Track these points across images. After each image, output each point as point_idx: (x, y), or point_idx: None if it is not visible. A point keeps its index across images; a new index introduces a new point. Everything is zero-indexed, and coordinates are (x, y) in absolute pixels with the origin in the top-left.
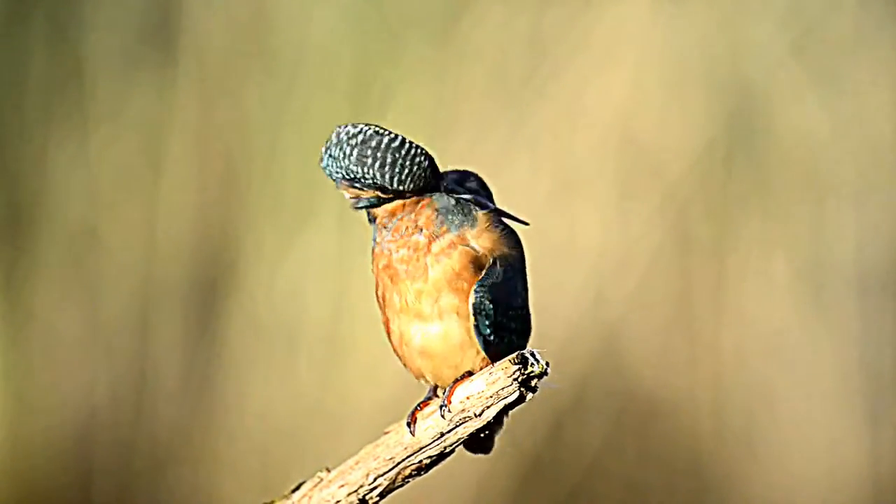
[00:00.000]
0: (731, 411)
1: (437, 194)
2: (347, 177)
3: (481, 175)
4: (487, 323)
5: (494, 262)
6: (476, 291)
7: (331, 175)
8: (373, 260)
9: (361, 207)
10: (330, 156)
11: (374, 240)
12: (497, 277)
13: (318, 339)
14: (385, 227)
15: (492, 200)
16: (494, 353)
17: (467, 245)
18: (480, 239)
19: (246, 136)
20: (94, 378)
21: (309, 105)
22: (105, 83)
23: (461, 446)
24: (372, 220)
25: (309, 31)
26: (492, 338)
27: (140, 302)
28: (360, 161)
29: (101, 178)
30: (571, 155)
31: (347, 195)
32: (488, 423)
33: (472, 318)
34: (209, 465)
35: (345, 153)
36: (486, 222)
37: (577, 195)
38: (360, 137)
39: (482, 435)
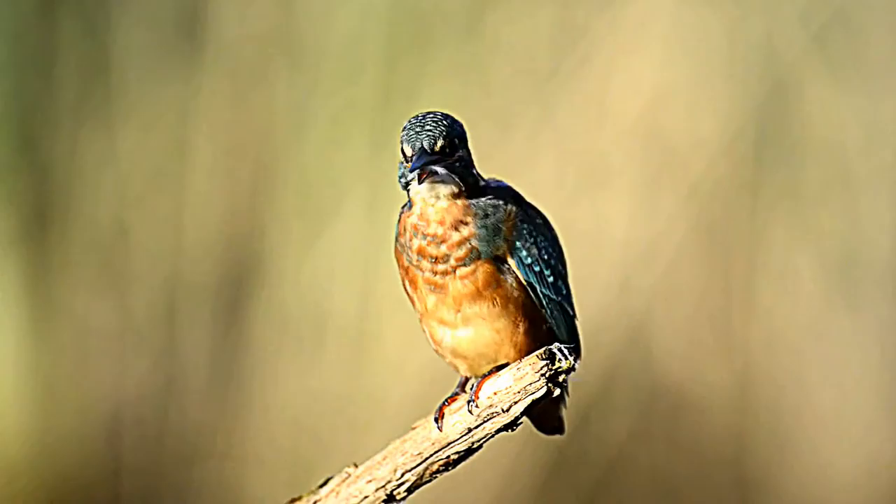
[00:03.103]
0: (760, 403)
1: (480, 219)
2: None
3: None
4: (525, 254)
5: (520, 216)
6: (514, 228)
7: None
8: (396, 256)
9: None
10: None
11: (397, 239)
12: (529, 221)
13: (345, 334)
14: (417, 244)
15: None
16: (546, 296)
17: (491, 263)
18: (500, 250)
19: (273, 130)
20: (123, 372)
21: (336, 99)
22: (133, 79)
23: (536, 429)
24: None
25: (336, 26)
26: (536, 268)
27: (168, 296)
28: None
29: (130, 173)
30: (598, 147)
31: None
32: (514, 418)
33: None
34: (236, 460)
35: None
36: (510, 231)
37: (603, 187)
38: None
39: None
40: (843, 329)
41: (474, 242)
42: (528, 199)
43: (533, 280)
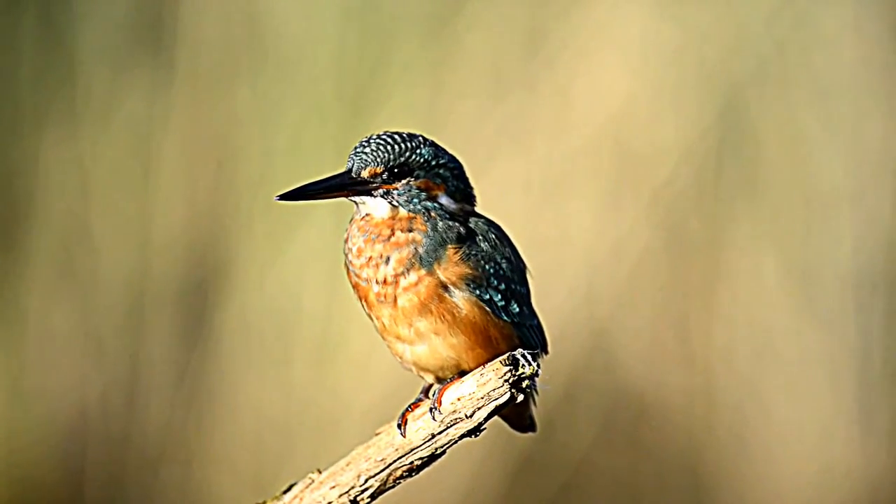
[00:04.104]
0: (722, 407)
1: (430, 229)
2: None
3: (473, 174)
4: (473, 285)
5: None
6: (463, 256)
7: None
8: (347, 275)
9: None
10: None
11: (345, 252)
12: (479, 250)
13: (311, 339)
14: (356, 246)
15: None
16: (509, 316)
17: (434, 276)
18: (447, 272)
19: (238, 136)
20: (87, 376)
21: (302, 104)
22: (97, 83)
23: (513, 429)
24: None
25: (302, 31)
26: (486, 296)
27: (132, 300)
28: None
29: (94, 177)
30: (563, 153)
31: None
32: (478, 424)
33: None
34: (201, 463)
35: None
36: (453, 254)
37: (568, 193)
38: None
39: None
40: (803, 335)
41: (419, 249)
42: (494, 204)
43: (483, 305)
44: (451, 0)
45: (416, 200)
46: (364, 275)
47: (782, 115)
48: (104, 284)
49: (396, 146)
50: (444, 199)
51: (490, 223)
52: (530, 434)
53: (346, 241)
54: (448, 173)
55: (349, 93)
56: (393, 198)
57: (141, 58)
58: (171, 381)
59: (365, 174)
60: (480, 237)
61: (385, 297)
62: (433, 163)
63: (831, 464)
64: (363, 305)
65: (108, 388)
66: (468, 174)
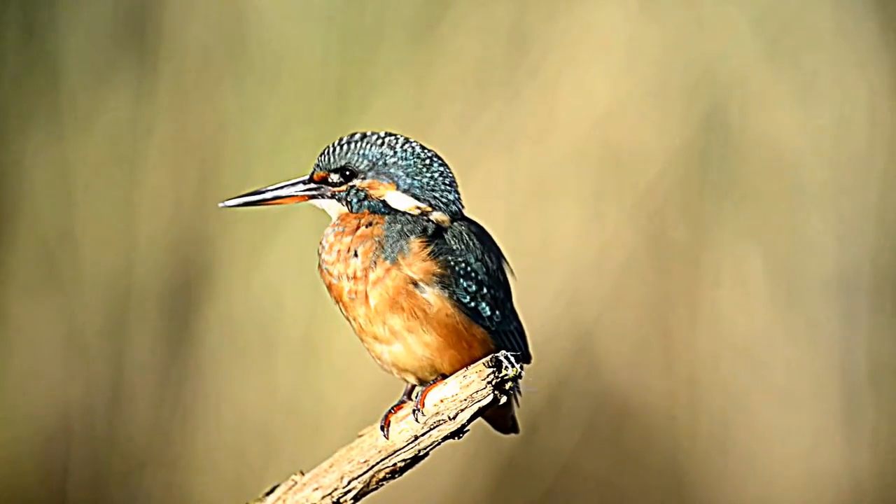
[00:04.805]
0: (706, 412)
1: (387, 222)
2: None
3: (458, 178)
4: (441, 287)
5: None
6: (448, 265)
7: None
8: (322, 278)
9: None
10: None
11: (318, 252)
12: (449, 250)
13: (294, 342)
14: (328, 242)
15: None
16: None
17: (401, 271)
18: (413, 267)
19: (222, 140)
20: (70, 380)
21: (286, 107)
22: (81, 86)
23: (495, 429)
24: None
25: (287, 34)
26: (468, 301)
27: (116, 304)
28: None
29: (78, 180)
30: (548, 157)
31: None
32: (461, 426)
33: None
34: (185, 466)
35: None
36: (419, 249)
37: (553, 196)
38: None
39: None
40: (787, 340)
41: (381, 241)
42: (478, 207)
43: (454, 304)
44: (436, 3)
45: (364, 202)
46: (335, 271)
47: (766, 118)
48: (88, 287)
49: (340, 149)
50: (391, 197)
51: (471, 225)
52: (514, 436)
53: (320, 243)
54: (400, 172)
55: (333, 96)
56: (342, 199)
57: (125, 62)
58: (154, 383)
59: (316, 178)
60: (454, 238)
61: (356, 294)
62: (380, 162)
63: (815, 468)
64: (340, 308)
65: (92, 391)
66: (454, 175)
